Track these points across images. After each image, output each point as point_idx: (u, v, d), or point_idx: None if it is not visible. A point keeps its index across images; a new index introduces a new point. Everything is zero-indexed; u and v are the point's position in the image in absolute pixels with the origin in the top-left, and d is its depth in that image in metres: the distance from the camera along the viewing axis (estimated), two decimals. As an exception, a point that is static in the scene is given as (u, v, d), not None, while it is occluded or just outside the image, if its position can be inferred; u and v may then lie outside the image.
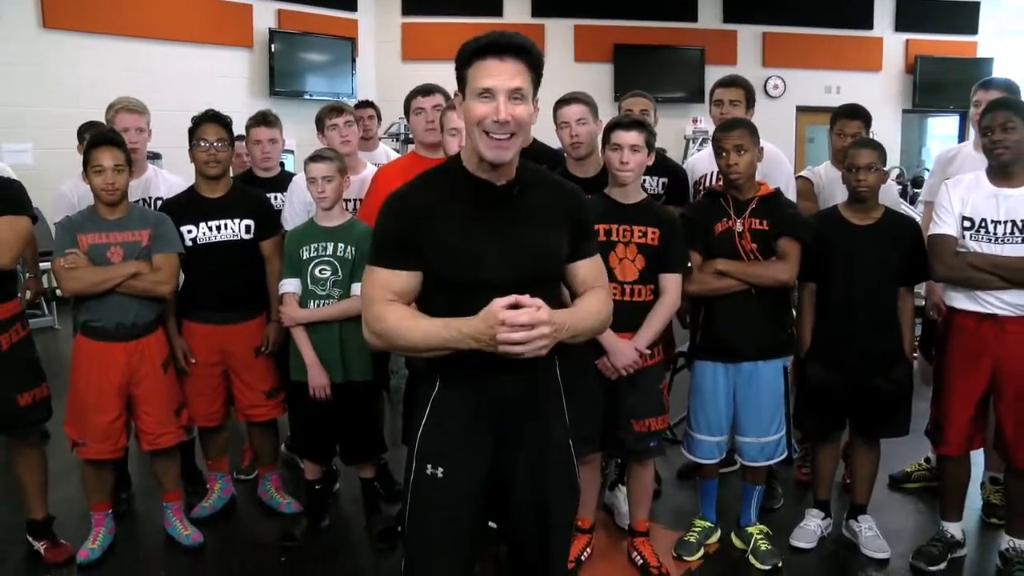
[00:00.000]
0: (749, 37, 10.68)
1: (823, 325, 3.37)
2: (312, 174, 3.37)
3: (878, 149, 3.33)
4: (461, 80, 1.92)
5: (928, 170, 8.87)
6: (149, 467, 3.59)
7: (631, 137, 3.02)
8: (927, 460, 4.09)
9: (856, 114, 3.89)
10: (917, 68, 10.97)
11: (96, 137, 3.27)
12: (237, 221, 3.57)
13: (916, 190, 8.96)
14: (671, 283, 3.10)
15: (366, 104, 5.14)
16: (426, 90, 3.60)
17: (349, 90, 8.67)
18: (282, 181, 4.07)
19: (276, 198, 3.97)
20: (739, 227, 3.21)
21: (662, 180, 3.68)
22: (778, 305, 3.31)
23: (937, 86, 11.00)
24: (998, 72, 10.58)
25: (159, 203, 3.76)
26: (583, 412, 2.84)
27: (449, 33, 9.62)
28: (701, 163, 3.95)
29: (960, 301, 3.22)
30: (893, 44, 11.05)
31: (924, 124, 12.17)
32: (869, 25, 10.96)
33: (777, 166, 3.70)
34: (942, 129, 12.23)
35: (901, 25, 11.03)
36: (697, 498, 3.61)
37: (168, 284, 3.31)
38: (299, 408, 3.54)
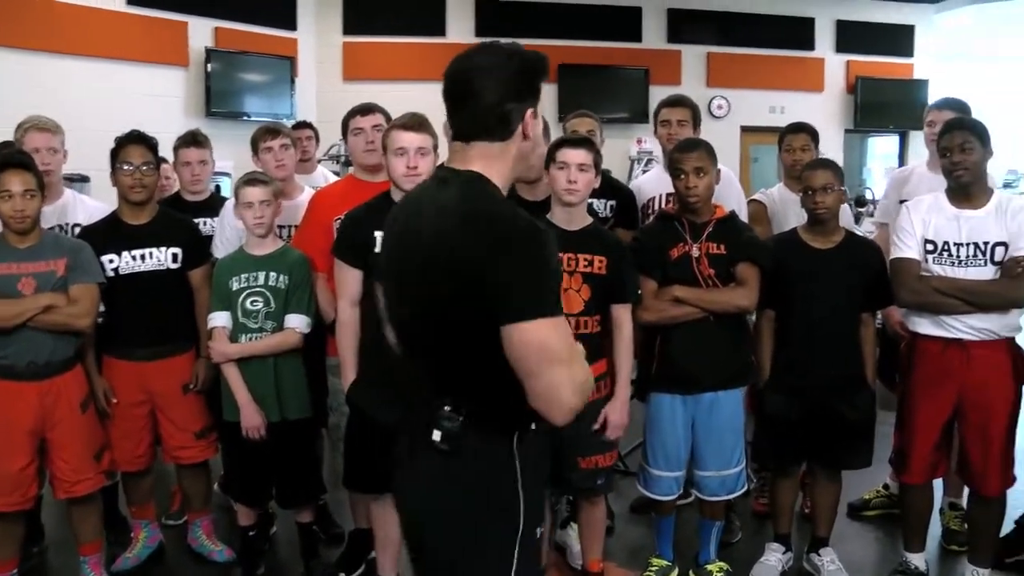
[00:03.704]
0: (693, 57, 10.64)
1: (783, 353, 3.28)
2: (249, 199, 3.20)
3: (833, 168, 3.27)
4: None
5: (870, 189, 8.98)
6: (65, 516, 3.32)
7: (579, 156, 2.89)
8: (885, 487, 4.03)
9: (801, 128, 3.94)
10: (858, 88, 11.08)
11: (3, 160, 3.03)
12: (163, 249, 3.37)
13: (859, 209, 9.02)
14: (625, 315, 2.99)
15: (304, 125, 4.99)
16: (365, 109, 3.43)
17: (288, 111, 8.42)
18: (213, 205, 3.88)
19: (206, 223, 3.78)
20: (696, 252, 3.09)
21: (610, 203, 3.56)
22: (737, 332, 3.20)
23: (877, 106, 11.13)
24: (933, 93, 10.76)
25: (77, 230, 3.50)
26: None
27: (392, 53, 9.46)
28: (648, 185, 3.85)
29: (924, 326, 3.16)
30: (834, 65, 11.13)
31: (865, 144, 12.30)
32: (811, 46, 11.03)
33: (728, 187, 3.61)
34: (882, 149, 12.38)
35: (842, 46, 11.11)
36: (652, 533, 3.47)
37: (87, 317, 3.08)
38: (232, 450, 3.35)
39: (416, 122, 2.91)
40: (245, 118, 8.09)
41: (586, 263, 2.93)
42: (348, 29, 9.44)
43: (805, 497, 3.83)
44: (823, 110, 10.98)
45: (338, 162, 8.00)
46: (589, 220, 3.05)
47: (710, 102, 10.49)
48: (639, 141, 10.07)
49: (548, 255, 1.61)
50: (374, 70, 9.21)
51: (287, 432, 3.23)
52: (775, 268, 3.14)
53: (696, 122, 3.78)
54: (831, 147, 10.90)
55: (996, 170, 11.69)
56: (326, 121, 6.27)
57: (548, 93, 10.34)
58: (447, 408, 1.67)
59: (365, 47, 9.41)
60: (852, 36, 11.17)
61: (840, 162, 10.95)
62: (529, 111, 1.71)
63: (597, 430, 3.01)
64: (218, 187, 6.96)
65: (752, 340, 3.34)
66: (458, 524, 1.71)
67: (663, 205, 3.63)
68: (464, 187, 1.68)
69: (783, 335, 3.28)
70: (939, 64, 11.61)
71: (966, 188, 3.07)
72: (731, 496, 3.30)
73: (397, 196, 2.87)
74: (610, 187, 3.56)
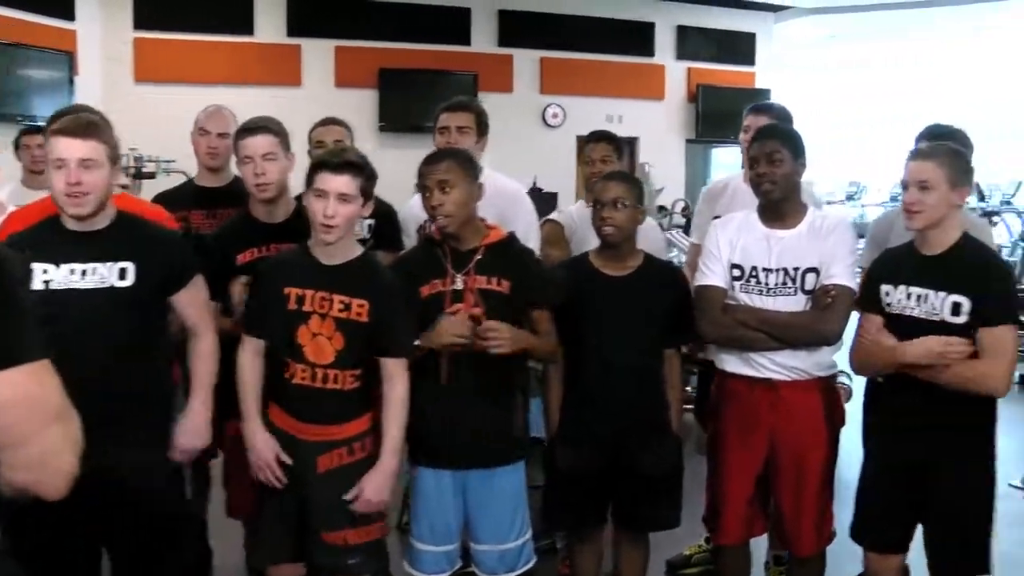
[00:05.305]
0: (526, 62, 10.29)
1: (573, 398, 2.84)
2: None
3: (629, 182, 2.86)
4: None
5: (709, 205, 8.82)
6: None
7: (341, 183, 2.37)
8: (707, 540, 3.63)
9: (602, 136, 3.62)
10: (700, 97, 11.00)
11: None
12: None
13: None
14: (396, 370, 2.49)
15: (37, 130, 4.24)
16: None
17: (70, 113, 7.57)
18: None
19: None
20: (460, 285, 2.58)
21: (368, 223, 3.11)
22: (507, 392, 2.73)
23: (720, 116, 11.02)
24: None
25: None
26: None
27: (193, 51, 8.61)
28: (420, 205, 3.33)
29: (732, 364, 2.81)
30: (675, 72, 11.00)
31: (708, 154, 12.28)
32: (651, 52, 10.87)
33: (513, 205, 3.15)
34: (725, 159, 12.41)
35: (682, 53, 11.00)
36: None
37: None
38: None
39: (79, 125, 2.26)
40: (19, 120, 7.15)
41: (342, 306, 2.43)
42: (140, 23, 8.56)
43: (614, 561, 3.40)
44: (664, 119, 10.90)
45: (127, 174, 7.23)
46: (357, 252, 2.54)
47: (544, 110, 10.24)
48: (467, 153, 9.72)
49: (12, 285, 1.26)
50: (172, 71, 8.40)
51: None
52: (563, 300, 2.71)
53: (482, 129, 3.28)
54: (672, 158, 10.82)
55: (838, 183, 11.87)
56: (116, 126, 5.57)
57: (369, 100, 9.90)
58: None
59: (161, 44, 8.57)
60: (693, 43, 11.14)
61: (681, 174, 10.84)
62: None
63: (350, 500, 2.48)
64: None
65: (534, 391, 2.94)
66: None
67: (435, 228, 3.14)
68: None
69: (574, 377, 2.84)
70: (780, 73, 11.76)
71: (775, 205, 2.72)
72: (514, 573, 2.78)
73: (67, 222, 2.31)
74: (367, 204, 3.07)
